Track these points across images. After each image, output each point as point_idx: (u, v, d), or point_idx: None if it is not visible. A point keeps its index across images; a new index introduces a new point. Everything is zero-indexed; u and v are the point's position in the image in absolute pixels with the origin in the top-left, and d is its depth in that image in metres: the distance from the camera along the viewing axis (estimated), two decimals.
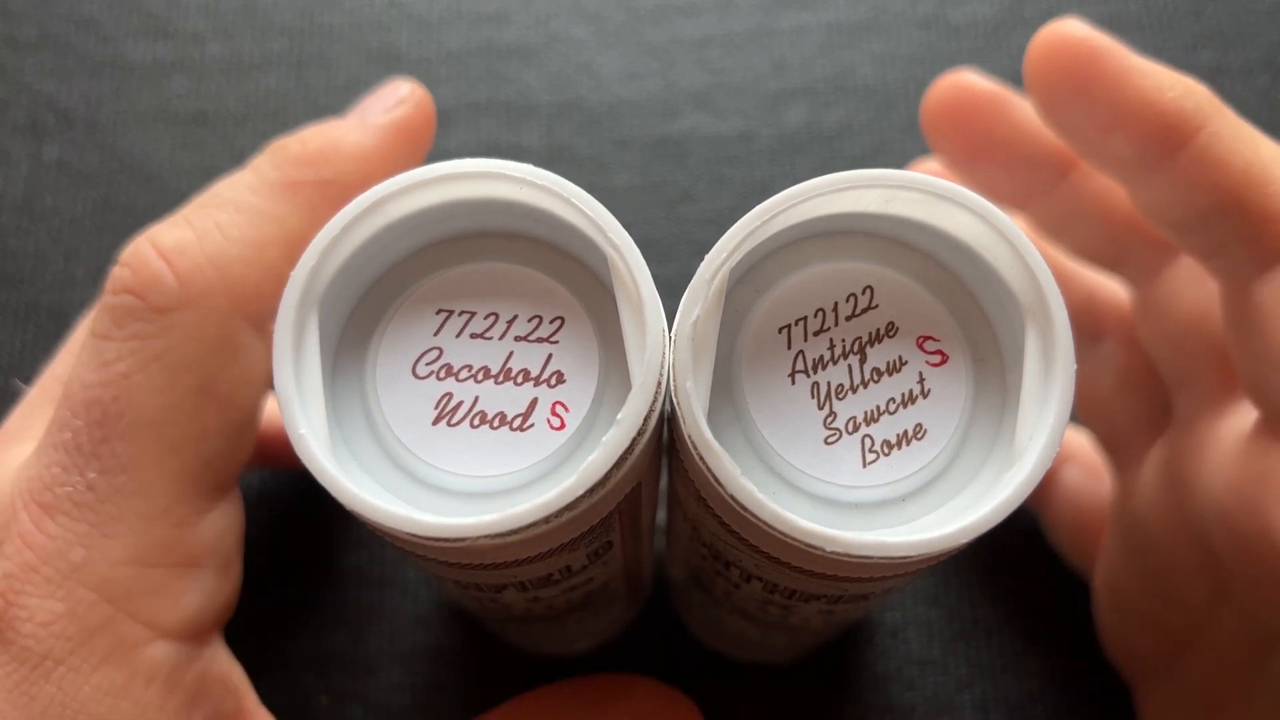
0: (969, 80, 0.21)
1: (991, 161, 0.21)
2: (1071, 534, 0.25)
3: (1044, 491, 0.26)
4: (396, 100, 0.19)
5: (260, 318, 0.18)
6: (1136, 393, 0.22)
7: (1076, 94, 0.18)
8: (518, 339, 0.15)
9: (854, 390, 0.15)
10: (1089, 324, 0.23)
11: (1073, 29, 0.18)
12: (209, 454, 0.17)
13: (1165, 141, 0.17)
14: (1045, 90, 0.19)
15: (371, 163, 0.19)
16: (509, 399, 0.15)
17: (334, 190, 0.18)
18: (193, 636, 0.17)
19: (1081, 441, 0.25)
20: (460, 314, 0.15)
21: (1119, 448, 0.23)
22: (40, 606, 0.16)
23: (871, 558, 0.13)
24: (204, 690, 0.17)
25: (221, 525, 0.18)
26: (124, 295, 0.17)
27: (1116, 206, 0.20)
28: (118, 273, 0.17)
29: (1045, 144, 0.21)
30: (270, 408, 0.24)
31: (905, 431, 0.15)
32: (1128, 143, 0.18)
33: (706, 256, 0.14)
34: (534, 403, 0.15)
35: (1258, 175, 0.17)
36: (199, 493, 0.17)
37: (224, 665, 0.18)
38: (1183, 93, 0.17)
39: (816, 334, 0.15)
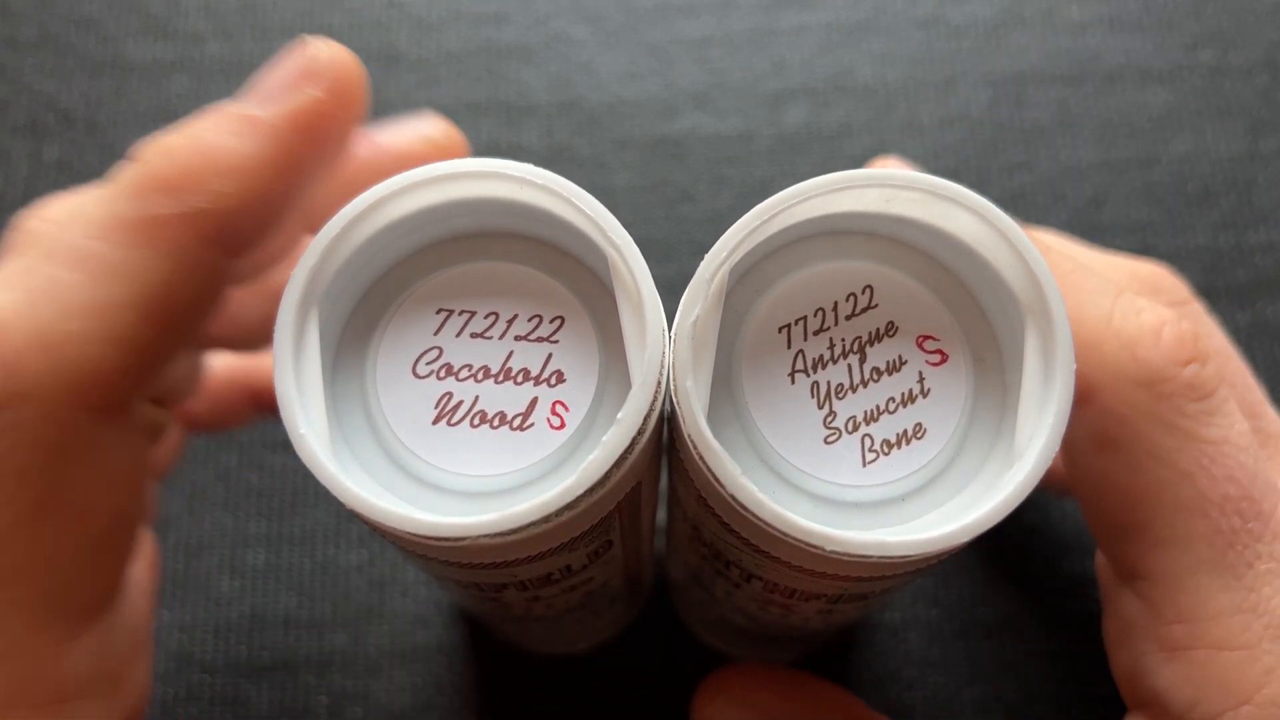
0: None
1: None
2: None
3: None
4: (299, 75, 0.14)
5: (114, 403, 0.14)
6: None
7: None
8: (518, 338, 0.15)
9: (854, 390, 0.15)
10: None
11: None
12: (65, 575, 0.14)
13: None
14: None
15: (262, 179, 0.14)
16: (509, 398, 0.15)
17: (210, 224, 0.14)
18: None
19: None
20: (460, 313, 0.15)
21: None
22: None
23: (871, 557, 0.13)
24: None
25: (101, 647, 0.15)
26: None
27: None
28: None
29: None
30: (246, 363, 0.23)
31: (905, 431, 0.15)
32: None
33: (706, 256, 0.14)
34: (534, 402, 0.15)
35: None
36: (60, 619, 0.14)
37: None
38: None
39: (816, 333, 0.15)
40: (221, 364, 0.23)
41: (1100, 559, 0.19)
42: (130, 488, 0.15)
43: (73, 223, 0.14)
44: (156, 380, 0.15)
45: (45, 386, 0.13)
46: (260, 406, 0.23)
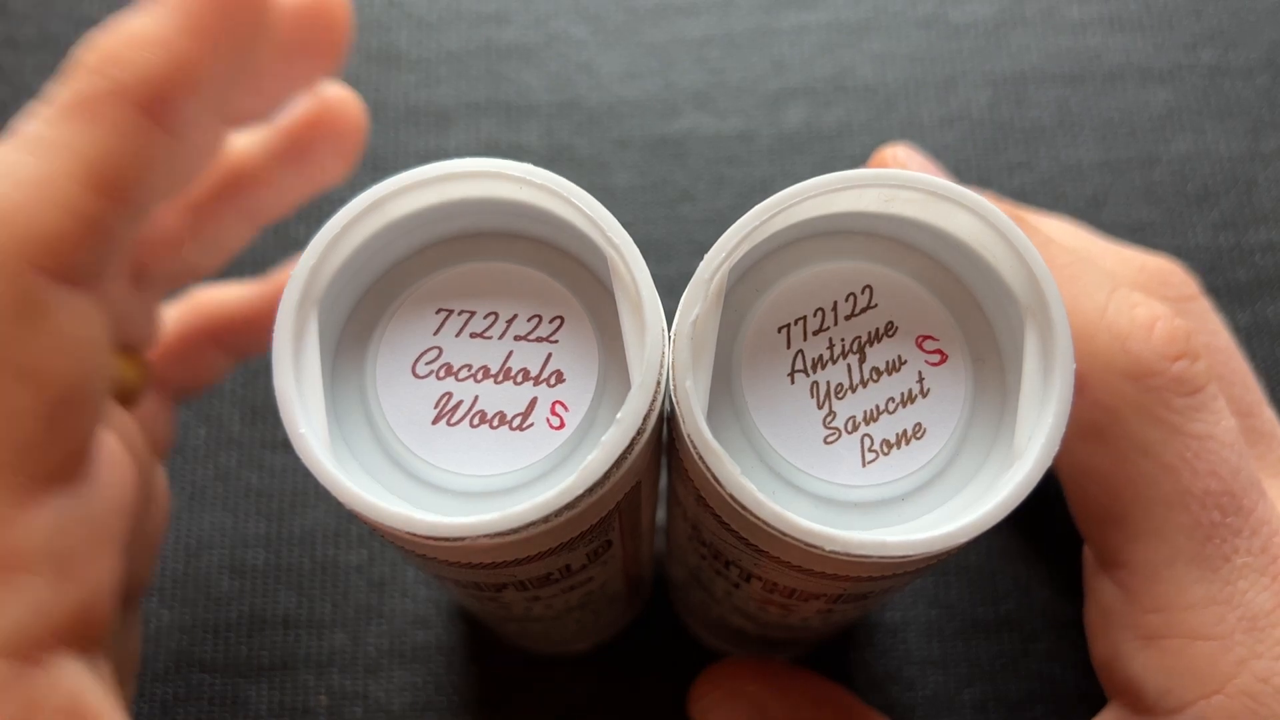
0: (890, 158, 0.22)
1: None
2: None
3: None
4: None
5: (70, 268, 0.15)
6: None
7: None
8: (517, 338, 0.15)
9: (853, 389, 0.15)
10: None
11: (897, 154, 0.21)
12: (22, 438, 0.15)
13: None
14: None
15: (176, 49, 0.15)
16: (509, 398, 0.15)
17: (138, 93, 0.15)
18: (19, 654, 0.15)
19: None
20: (460, 313, 0.15)
21: None
22: None
23: (871, 557, 0.13)
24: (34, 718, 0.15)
25: (55, 521, 0.15)
26: None
27: None
28: None
29: None
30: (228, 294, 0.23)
31: (905, 431, 0.15)
32: None
33: (706, 256, 0.14)
34: (533, 402, 0.15)
35: None
36: (13, 484, 0.15)
37: (71, 689, 0.15)
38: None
39: (816, 333, 0.15)
40: (174, 314, 0.23)
41: (1086, 549, 0.20)
42: (90, 359, 0.16)
43: (24, 119, 0.16)
44: (113, 254, 0.16)
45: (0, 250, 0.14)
46: (224, 348, 0.23)
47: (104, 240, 0.15)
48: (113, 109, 0.15)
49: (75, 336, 0.15)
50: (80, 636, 0.16)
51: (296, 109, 0.20)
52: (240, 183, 0.20)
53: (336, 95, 0.20)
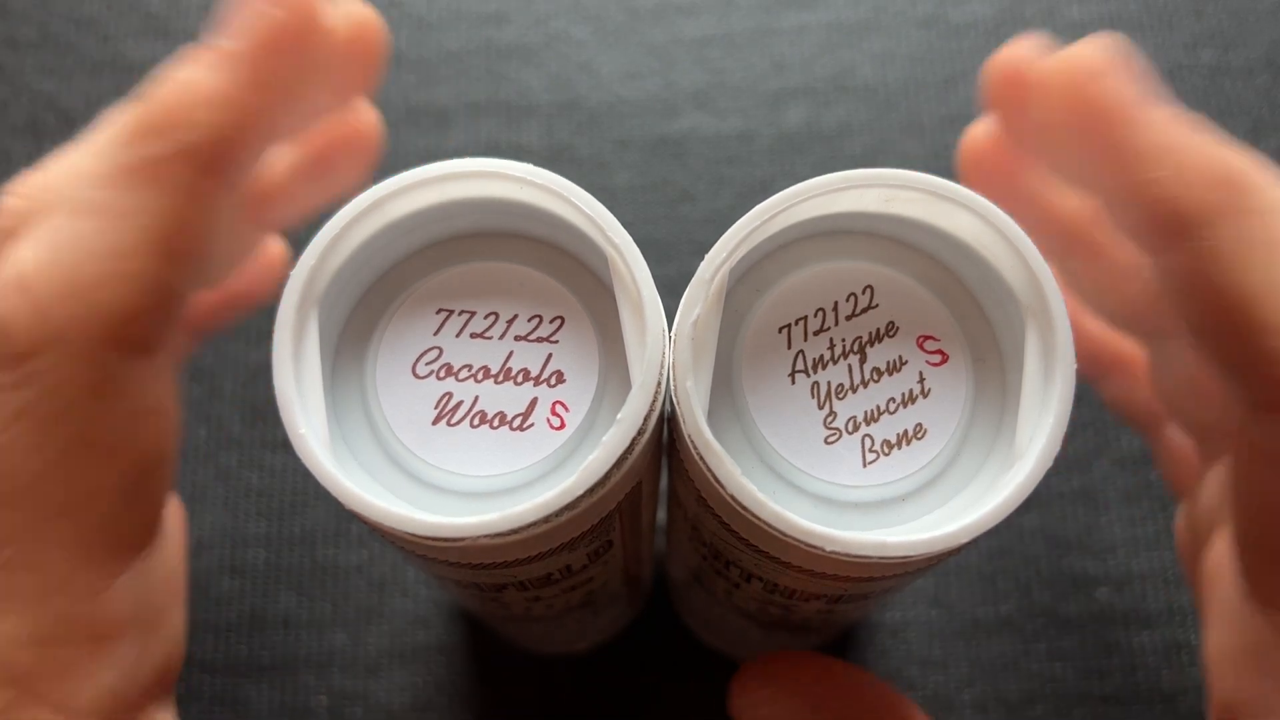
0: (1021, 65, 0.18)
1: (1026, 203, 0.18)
2: None
3: None
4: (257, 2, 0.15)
5: (142, 341, 0.15)
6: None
7: (1073, 150, 0.15)
8: (518, 338, 0.15)
9: (854, 390, 0.15)
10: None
11: (1087, 61, 0.16)
12: (104, 513, 0.15)
13: (1162, 239, 0.14)
14: (1023, 131, 0.17)
15: (240, 105, 0.14)
16: (509, 399, 0.15)
17: (204, 155, 0.14)
18: (114, 713, 0.15)
19: None
20: (460, 313, 0.15)
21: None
22: None
23: (871, 557, 0.13)
24: None
25: (139, 587, 0.15)
26: None
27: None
28: None
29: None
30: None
31: (905, 431, 0.15)
32: (1128, 226, 0.15)
33: (706, 256, 0.14)
34: (534, 402, 0.15)
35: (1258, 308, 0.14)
36: (101, 558, 0.15)
37: None
38: (1205, 185, 0.15)
39: (816, 334, 0.15)
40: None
41: (1211, 560, 0.18)
42: (163, 426, 0.16)
43: (77, 179, 0.15)
44: (180, 313, 0.15)
45: (76, 329, 0.14)
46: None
47: (174, 305, 0.15)
48: (180, 173, 0.14)
49: (149, 407, 0.15)
50: (163, 686, 0.16)
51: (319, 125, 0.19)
52: (263, 199, 0.19)
53: (357, 109, 0.19)
